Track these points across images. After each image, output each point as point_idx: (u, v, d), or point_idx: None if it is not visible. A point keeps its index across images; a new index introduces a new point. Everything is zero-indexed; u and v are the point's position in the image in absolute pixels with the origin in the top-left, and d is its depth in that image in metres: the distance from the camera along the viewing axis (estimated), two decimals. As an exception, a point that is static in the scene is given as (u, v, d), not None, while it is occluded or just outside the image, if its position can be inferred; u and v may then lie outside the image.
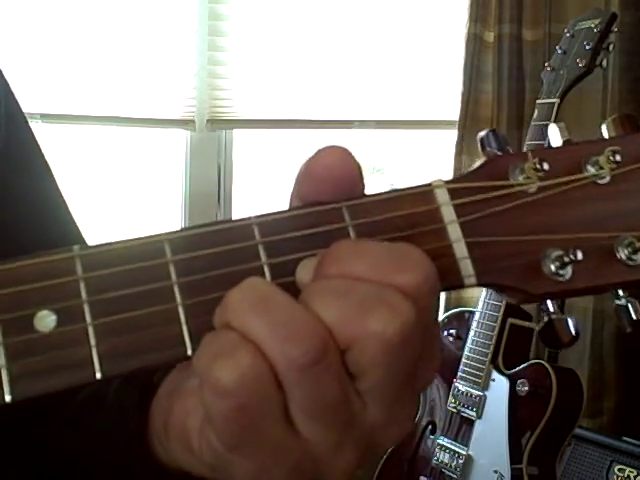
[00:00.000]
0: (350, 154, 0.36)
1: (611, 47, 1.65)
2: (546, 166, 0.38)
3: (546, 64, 1.73)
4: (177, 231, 0.35)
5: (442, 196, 0.37)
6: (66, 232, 0.62)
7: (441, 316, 1.94)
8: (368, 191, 0.38)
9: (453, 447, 1.76)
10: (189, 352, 0.35)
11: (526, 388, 1.66)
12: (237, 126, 2.23)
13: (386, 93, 2.23)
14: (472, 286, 0.37)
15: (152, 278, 0.35)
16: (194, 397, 0.36)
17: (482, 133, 0.41)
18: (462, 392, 1.76)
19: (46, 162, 0.63)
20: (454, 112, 2.16)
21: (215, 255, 0.35)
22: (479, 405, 1.72)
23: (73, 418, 0.49)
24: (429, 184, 0.37)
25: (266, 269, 0.35)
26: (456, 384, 1.78)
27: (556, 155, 0.39)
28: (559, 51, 1.70)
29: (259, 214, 0.36)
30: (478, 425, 1.73)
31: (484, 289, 1.76)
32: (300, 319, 0.32)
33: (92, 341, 0.34)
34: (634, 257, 0.38)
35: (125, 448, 0.43)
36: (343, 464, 0.35)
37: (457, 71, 2.15)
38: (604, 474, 1.73)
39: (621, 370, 2.07)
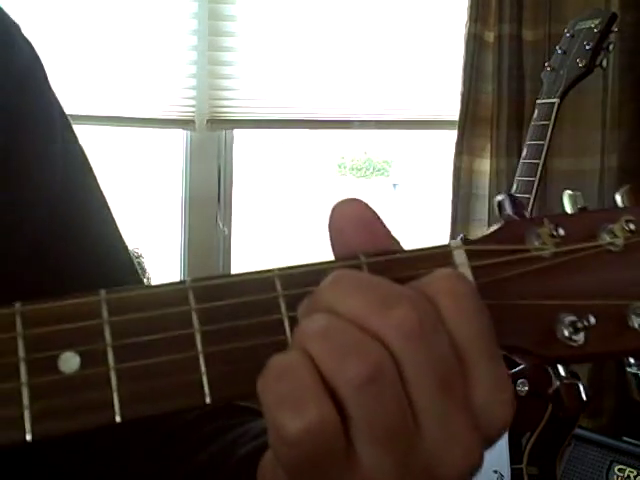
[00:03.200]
0: (361, 204, 0.37)
1: (611, 47, 1.65)
2: (562, 232, 0.39)
3: (546, 64, 1.73)
4: (201, 279, 0.36)
5: (460, 257, 0.38)
6: (118, 262, 0.62)
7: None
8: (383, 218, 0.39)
9: (453, 447, 1.76)
10: (207, 400, 0.35)
11: (526, 388, 1.66)
12: (237, 126, 2.23)
13: (386, 93, 2.23)
14: None
15: (175, 325, 0.35)
16: None
17: (499, 197, 0.42)
18: (462, 392, 1.76)
19: (98, 184, 0.62)
20: (454, 112, 2.16)
21: (237, 305, 0.36)
22: (479, 405, 1.72)
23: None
24: (448, 245, 0.38)
25: (286, 321, 0.36)
26: (456, 384, 1.77)
27: (572, 222, 0.39)
28: (559, 51, 1.70)
29: (281, 267, 0.37)
30: (478, 425, 1.73)
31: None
32: (356, 340, 0.33)
33: (114, 385, 0.34)
34: None
35: None
36: None
37: (457, 71, 2.15)
38: (604, 474, 1.73)
39: (621, 370, 2.07)
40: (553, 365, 0.38)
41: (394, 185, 2.95)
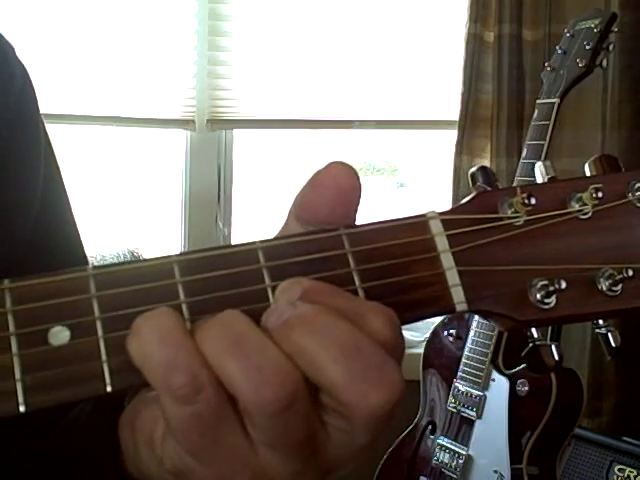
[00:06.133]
0: (355, 172, 0.38)
1: (611, 47, 1.65)
2: (533, 201, 0.40)
3: (546, 64, 1.73)
4: (186, 253, 0.37)
5: (436, 227, 0.39)
6: (68, 242, 0.63)
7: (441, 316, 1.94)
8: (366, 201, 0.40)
9: (453, 447, 1.76)
10: None
11: (526, 388, 1.66)
12: (237, 126, 2.23)
13: (386, 93, 2.23)
14: (463, 312, 0.39)
15: (161, 297, 0.36)
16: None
17: (473, 169, 0.44)
18: (462, 392, 1.76)
19: (57, 166, 0.64)
20: (454, 112, 2.16)
21: (222, 277, 0.37)
22: (479, 405, 1.72)
23: (55, 444, 0.51)
24: (424, 215, 0.40)
25: (269, 291, 0.37)
26: (456, 384, 1.78)
27: (543, 191, 0.42)
28: (559, 51, 1.70)
29: (263, 239, 0.38)
30: (478, 425, 1.73)
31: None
32: (274, 363, 0.33)
33: (103, 356, 0.35)
34: (614, 288, 0.40)
35: (98, 466, 0.45)
36: None
37: (457, 71, 2.15)
38: (604, 474, 1.73)
39: (621, 370, 2.07)
40: (527, 328, 0.39)
41: (400, 184, 2.95)
